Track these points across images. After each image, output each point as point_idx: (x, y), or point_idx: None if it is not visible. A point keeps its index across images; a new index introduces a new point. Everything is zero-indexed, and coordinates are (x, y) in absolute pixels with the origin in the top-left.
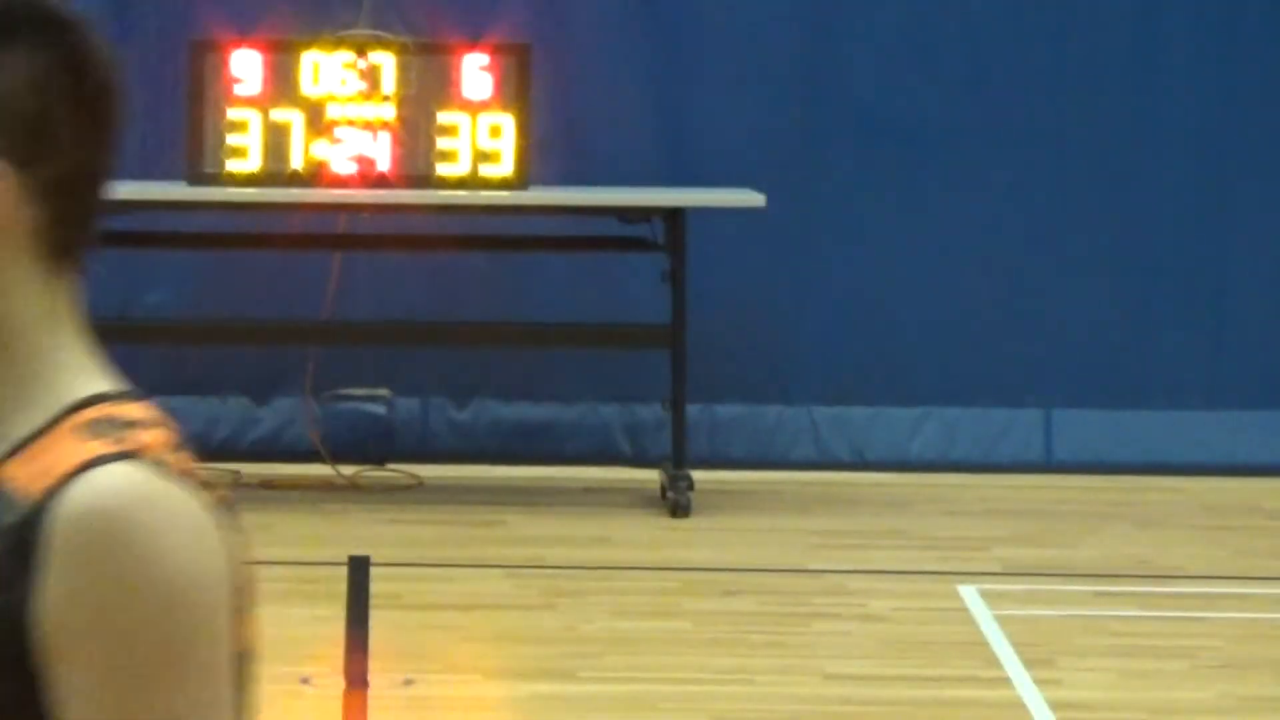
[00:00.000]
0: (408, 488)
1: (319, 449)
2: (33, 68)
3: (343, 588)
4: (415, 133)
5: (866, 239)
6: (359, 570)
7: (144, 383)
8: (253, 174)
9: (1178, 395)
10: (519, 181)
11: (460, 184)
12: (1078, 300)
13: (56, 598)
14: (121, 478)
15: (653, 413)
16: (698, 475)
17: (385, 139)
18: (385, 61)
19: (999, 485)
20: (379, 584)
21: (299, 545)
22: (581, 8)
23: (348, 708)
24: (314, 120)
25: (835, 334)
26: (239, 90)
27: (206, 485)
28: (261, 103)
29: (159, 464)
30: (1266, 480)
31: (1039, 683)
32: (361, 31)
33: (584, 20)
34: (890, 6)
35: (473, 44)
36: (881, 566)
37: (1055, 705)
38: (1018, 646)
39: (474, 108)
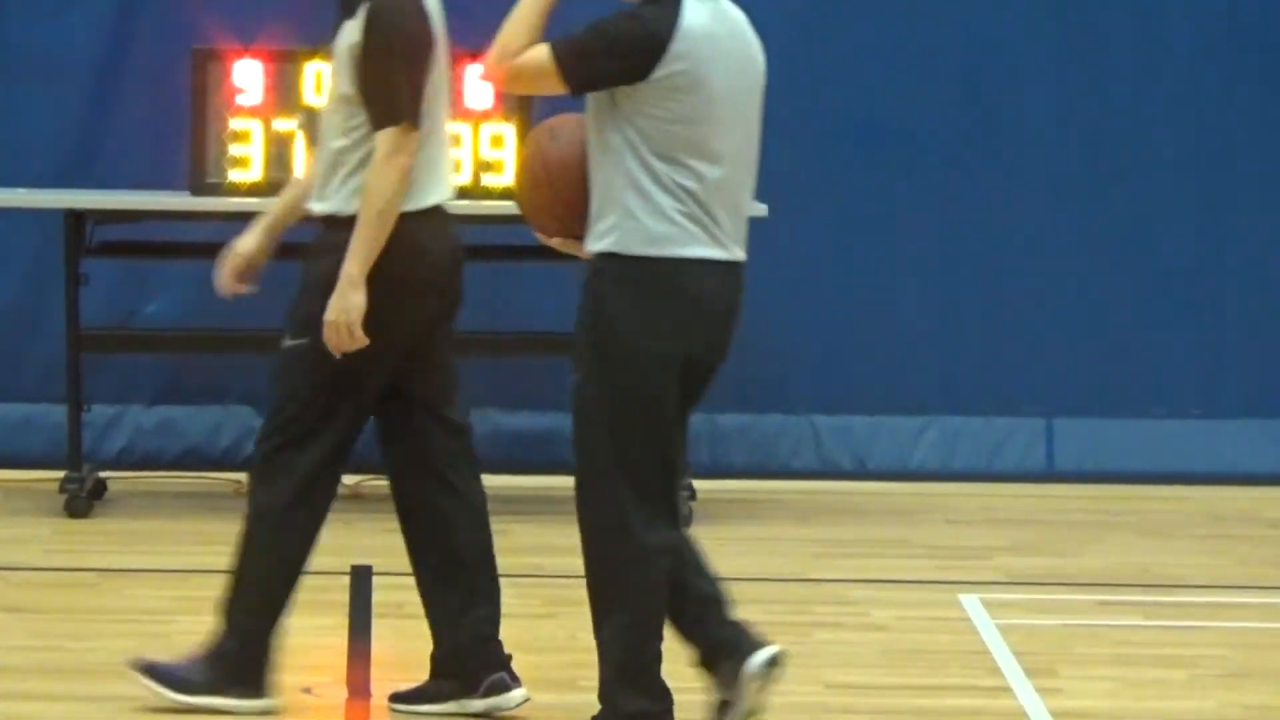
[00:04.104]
0: None
1: None
2: None
3: (345, 597)
4: None
5: (867, 249)
6: (361, 579)
7: (146, 392)
8: (255, 183)
9: (1179, 404)
10: None
11: (462, 194)
12: (1078, 309)
13: None
14: None
15: None
16: (699, 484)
17: None
18: None
19: (1000, 494)
20: (381, 593)
21: None
22: (582, 17)
23: (350, 717)
24: (316, 130)
25: (836, 343)
26: (241, 100)
27: None
28: (264, 112)
29: None
30: (1268, 489)
31: (1040, 692)
32: None
33: None
34: (889, 16)
35: (474, 54)
36: (883, 576)
37: (1057, 715)
38: (1019, 656)
39: (475, 118)
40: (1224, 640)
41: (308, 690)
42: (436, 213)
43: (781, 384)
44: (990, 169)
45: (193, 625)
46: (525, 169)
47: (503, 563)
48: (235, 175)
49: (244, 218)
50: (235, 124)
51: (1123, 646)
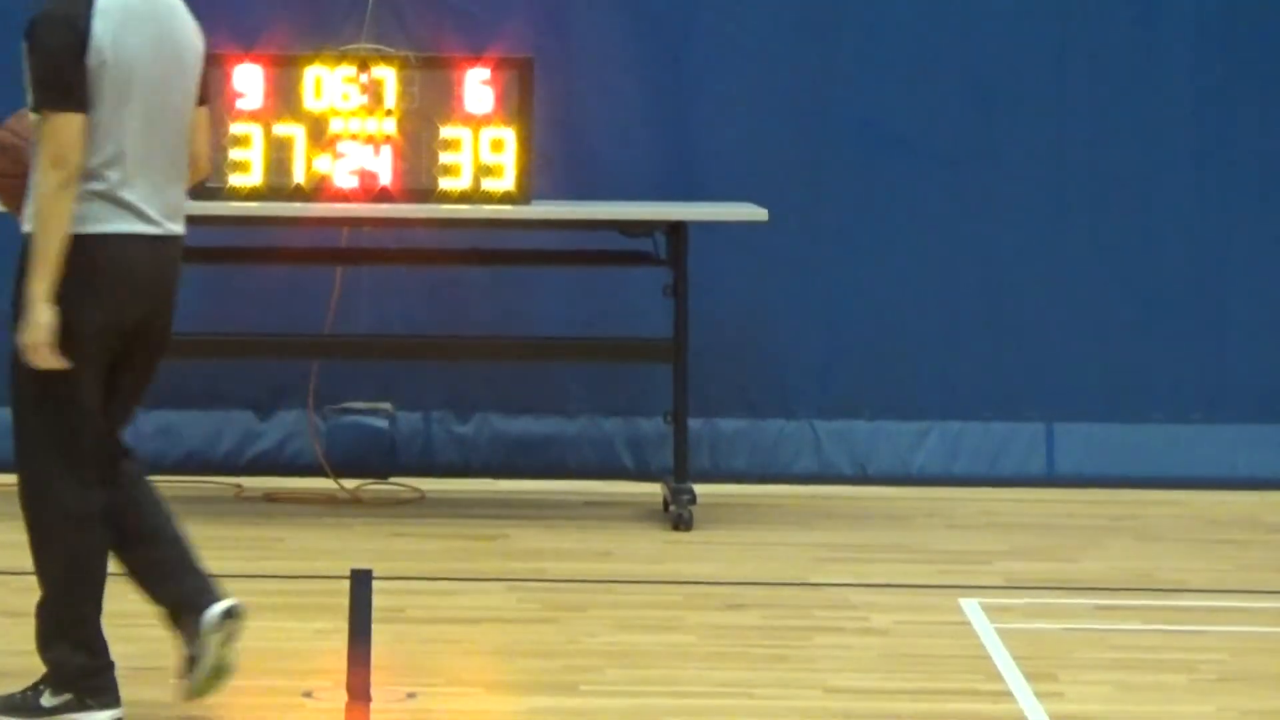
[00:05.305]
0: (410, 501)
1: (321, 463)
2: None
3: (345, 601)
4: (417, 147)
5: (868, 253)
6: (361, 584)
7: (146, 396)
8: (255, 188)
9: (1178, 409)
10: (521, 196)
11: (462, 198)
12: (1079, 314)
13: None
14: None
15: (655, 426)
16: (700, 489)
17: (387, 153)
18: (387, 76)
19: (1001, 499)
20: (381, 598)
21: (301, 559)
22: (584, 22)
23: None
24: (316, 134)
25: (837, 347)
26: (241, 104)
27: None
28: (264, 117)
29: None
30: (1267, 494)
31: (1040, 696)
32: (364, 46)
33: (586, 34)
34: (891, 22)
35: (475, 58)
36: (883, 580)
37: (1056, 719)
38: (1019, 660)
39: (476, 122)
40: (1224, 645)
41: (308, 694)
42: None
43: (782, 388)
44: (990, 173)
45: None
46: None
47: (503, 567)
48: (235, 180)
49: (245, 222)
50: (235, 128)
51: (1123, 651)
